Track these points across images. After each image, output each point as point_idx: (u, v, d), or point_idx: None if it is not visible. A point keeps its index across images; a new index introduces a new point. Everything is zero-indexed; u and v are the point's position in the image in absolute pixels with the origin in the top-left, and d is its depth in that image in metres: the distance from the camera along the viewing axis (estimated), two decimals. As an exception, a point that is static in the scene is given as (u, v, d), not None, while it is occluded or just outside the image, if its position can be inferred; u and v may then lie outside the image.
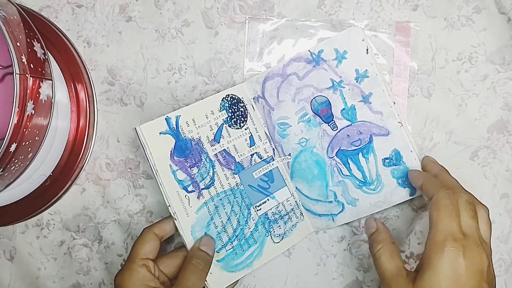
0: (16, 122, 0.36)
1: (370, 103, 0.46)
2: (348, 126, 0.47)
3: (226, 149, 0.47)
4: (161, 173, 0.45)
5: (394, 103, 0.46)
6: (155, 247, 0.44)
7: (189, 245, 0.45)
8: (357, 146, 0.47)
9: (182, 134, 0.46)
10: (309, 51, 0.47)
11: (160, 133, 0.45)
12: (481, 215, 0.40)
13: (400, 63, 0.49)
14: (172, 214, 0.45)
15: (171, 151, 0.45)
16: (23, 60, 0.37)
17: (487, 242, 0.39)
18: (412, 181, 0.45)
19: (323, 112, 0.48)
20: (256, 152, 0.48)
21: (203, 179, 0.46)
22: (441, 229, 0.38)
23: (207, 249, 0.45)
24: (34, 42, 0.40)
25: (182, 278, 0.43)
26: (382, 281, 0.41)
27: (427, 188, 0.43)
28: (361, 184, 0.47)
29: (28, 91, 0.37)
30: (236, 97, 0.48)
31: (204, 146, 0.46)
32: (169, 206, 0.45)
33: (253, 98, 0.49)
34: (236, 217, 0.47)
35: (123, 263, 0.44)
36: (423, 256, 0.39)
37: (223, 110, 0.47)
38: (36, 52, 0.40)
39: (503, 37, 0.48)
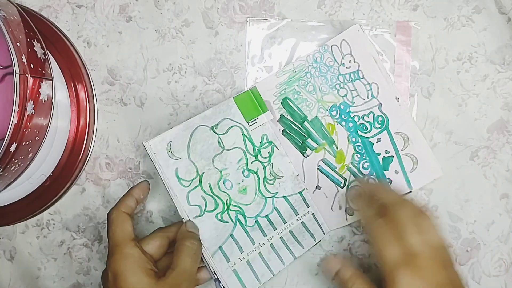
0: (16, 122, 0.36)
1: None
2: None
3: None
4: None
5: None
6: (132, 226, 0.43)
7: (205, 255, 0.46)
8: None
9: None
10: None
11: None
12: (426, 225, 0.39)
13: (401, 63, 0.49)
14: None
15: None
16: (23, 60, 0.37)
17: (441, 246, 0.39)
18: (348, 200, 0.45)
19: None
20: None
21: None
22: (386, 260, 0.38)
23: (195, 231, 0.44)
24: (34, 42, 0.40)
25: (178, 260, 0.42)
26: None
27: (360, 217, 0.43)
28: None
29: (28, 91, 0.37)
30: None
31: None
32: (183, 219, 0.46)
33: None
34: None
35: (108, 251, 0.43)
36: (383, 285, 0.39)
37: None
38: (36, 52, 0.40)
39: (503, 37, 0.48)
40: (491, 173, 0.49)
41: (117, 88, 0.51)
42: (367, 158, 0.48)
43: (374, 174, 0.47)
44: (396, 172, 0.47)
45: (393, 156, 0.47)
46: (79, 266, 0.51)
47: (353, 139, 0.48)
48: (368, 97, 0.48)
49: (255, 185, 0.47)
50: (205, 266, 0.47)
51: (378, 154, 0.48)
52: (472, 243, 0.49)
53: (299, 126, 0.48)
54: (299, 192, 0.48)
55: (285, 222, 0.48)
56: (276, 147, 0.48)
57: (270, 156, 0.48)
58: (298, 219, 0.48)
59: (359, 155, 0.48)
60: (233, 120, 0.47)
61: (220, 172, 0.47)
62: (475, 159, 0.49)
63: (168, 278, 0.40)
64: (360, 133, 0.48)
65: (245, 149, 0.47)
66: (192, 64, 0.50)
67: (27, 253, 0.52)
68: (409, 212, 0.39)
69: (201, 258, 0.46)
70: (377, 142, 0.48)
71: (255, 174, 0.47)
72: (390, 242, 0.39)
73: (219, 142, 0.47)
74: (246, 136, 0.47)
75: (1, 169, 0.38)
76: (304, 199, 0.49)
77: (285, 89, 0.48)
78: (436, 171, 0.47)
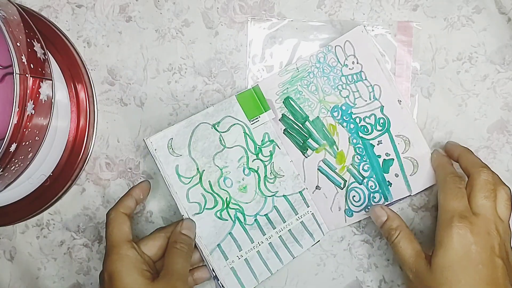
0: (16, 122, 0.36)
1: None
2: None
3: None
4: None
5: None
6: (130, 227, 0.44)
7: (204, 252, 0.46)
8: None
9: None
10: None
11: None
12: (501, 196, 0.41)
13: (402, 63, 0.49)
14: None
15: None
16: (23, 60, 0.37)
17: (504, 221, 0.40)
18: (431, 162, 0.46)
19: None
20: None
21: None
22: (448, 209, 0.40)
23: (189, 232, 0.44)
24: (34, 42, 0.40)
25: (169, 262, 0.42)
26: (403, 265, 0.42)
27: (437, 172, 0.45)
28: None
29: (28, 91, 0.37)
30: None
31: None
32: (183, 216, 0.46)
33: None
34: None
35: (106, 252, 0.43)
36: (435, 237, 0.41)
37: None
38: (36, 52, 0.40)
39: (503, 37, 0.48)
40: (491, 173, 0.49)
41: (117, 88, 0.51)
42: (368, 160, 0.48)
43: (374, 176, 0.47)
44: (396, 175, 0.47)
45: (393, 159, 0.47)
46: (79, 266, 0.51)
47: (354, 141, 0.48)
48: (370, 99, 0.47)
49: (255, 183, 0.47)
50: (205, 265, 0.47)
51: (379, 156, 0.47)
52: (472, 243, 0.49)
53: (301, 126, 0.48)
54: (299, 192, 0.48)
55: (284, 221, 0.48)
56: (278, 146, 0.48)
57: (271, 154, 0.48)
58: (298, 218, 0.48)
59: (359, 157, 0.48)
60: (235, 118, 0.47)
61: (221, 170, 0.47)
62: (475, 159, 0.49)
63: (161, 279, 0.41)
64: (361, 134, 0.48)
65: (246, 148, 0.47)
66: (192, 64, 0.50)
67: (27, 253, 0.52)
68: (490, 179, 0.41)
69: (201, 256, 0.46)
70: (378, 145, 0.47)
71: (255, 173, 0.47)
72: (458, 196, 0.41)
73: (220, 140, 0.47)
74: (248, 135, 0.48)
75: (1, 169, 0.38)
76: (304, 199, 0.49)
77: (287, 88, 0.48)
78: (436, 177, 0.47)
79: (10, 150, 0.37)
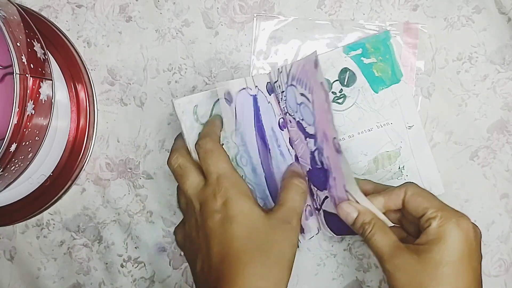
0: (16, 122, 0.36)
1: None
2: None
3: None
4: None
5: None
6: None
7: None
8: None
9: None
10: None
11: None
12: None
13: (407, 65, 0.48)
14: None
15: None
16: (23, 60, 0.37)
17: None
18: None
19: None
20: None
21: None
22: (436, 205, 0.37)
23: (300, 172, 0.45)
24: (34, 42, 0.40)
25: (286, 197, 0.40)
26: (381, 259, 0.38)
27: (389, 199, 0.40)
28: None
29: (28, 91, 0.37)
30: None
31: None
32: None
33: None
34: None
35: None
36: (427, 230, 0.37)
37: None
38: (36, 52, 0.40)
39: (503, 37, 0.48)
40: (491, 173, 0.49)
41: (117, 88, 0.51)
42: None
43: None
44: None
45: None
46: (79, 266, 0.51)
47: None
48: None
49: None
50: None
51: None
52: (472, 243, 0.49)
53: None
54: None
55: None
56: None
57: None
58: None
59: None
60: None
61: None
62: (475, 159, 0.49)
63: (277, 213, 0.39)
64: None
65: None
66: (192, 64, 0.50)
67: (27, 253, 0.52)
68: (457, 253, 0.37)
69: None
70: None
71: None
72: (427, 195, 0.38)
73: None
74: None
75: (1, 169, 0.38)
76: None
77: None
78: None
79: (10, 150, 0.37)
